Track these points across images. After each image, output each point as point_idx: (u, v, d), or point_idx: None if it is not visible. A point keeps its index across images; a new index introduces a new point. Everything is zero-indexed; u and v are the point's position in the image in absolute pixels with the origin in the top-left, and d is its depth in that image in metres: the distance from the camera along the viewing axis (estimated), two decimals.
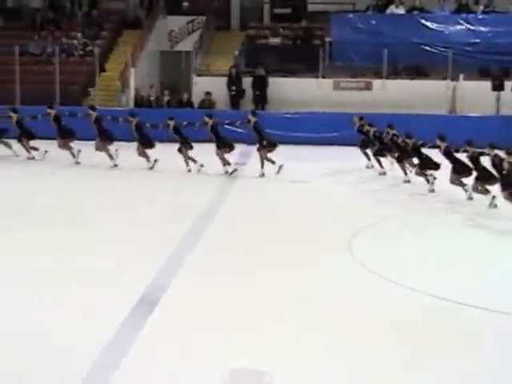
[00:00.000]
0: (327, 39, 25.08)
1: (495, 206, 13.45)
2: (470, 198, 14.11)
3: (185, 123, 17.54)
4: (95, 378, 6.36)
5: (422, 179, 15.24)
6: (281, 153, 17.03)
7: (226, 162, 16.92)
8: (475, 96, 22.54)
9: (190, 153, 17.30)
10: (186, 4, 28.85)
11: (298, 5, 28.26)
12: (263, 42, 26.43)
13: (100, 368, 6.51)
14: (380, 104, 22.65)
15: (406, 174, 16.07)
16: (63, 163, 18.13)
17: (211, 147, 16.88)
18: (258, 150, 17.02)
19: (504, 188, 12.98)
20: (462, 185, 14.25)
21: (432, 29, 24.83)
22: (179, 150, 17.36)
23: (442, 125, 19.40)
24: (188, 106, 23.82)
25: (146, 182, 16.40)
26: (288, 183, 15.94)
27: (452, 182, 14.41)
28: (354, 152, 18.26)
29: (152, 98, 24.51)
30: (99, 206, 13.62)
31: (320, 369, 6.55)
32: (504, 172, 13.04)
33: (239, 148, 17.80)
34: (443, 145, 14.49)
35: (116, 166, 17.76)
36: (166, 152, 17.34)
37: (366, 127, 17.82)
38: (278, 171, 16.63)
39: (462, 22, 24.89)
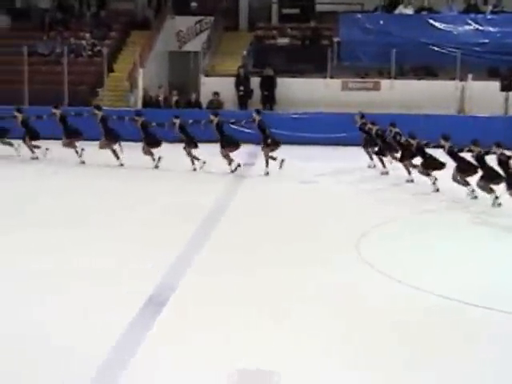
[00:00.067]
0: (335, 39, 25.06)
1: (499, 204, 13.44)
2: (475, 197, 14.09)
3: (190, 121, 17.63)
4: (103, 378, 6.35)
5: (424, 178, 15.23)
6: (289, 153, 17.04)
7: (230, 160, 16.97)
8: (484, 96, 22.49)
9: (195, 151, 17.35)
10: (194, 4, 28.88)
11: (307, 5, 28.24)
12: (271, 43, 26.43)
13: (108, 368, 6.51)
14: (388, 104, 22.61)
15: (409, 173, 16.05)
16: (68, 162, 18.23)
17: (217, 147, 16.96)
18: (262, 148, 17.09)
19: (509, 187, 12.99)
20: (466, 183, 14.23)
21: (440, 29, 24.79)
22: (184, 148, 17.41)
23: (451, 125, 19.33)
24: (196, 107, 23.83)
25: (151, 181, 16.44)
26: (296, 183, 15.93)
27: (454, 179, 14.41)
28: (363, 152, 18.27)
29: (160, 99, 24.54)
30: (104, 206, 13.64)
31: (325, 369, 6.54)
32: (510, 170, 13.06)
33: (247, 148, 17.82)
34: (447, 144, 14.47)
35: (122, 165, 17.82)
36: (172, 151, 17.40)
37: (368, 125, 17.83)
38: (280, 166, 16.70)
39: (470, 22, 24.83)
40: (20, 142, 18.87)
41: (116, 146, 17.94)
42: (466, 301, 8.28)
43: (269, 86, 24.16)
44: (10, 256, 9.94)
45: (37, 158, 18.80)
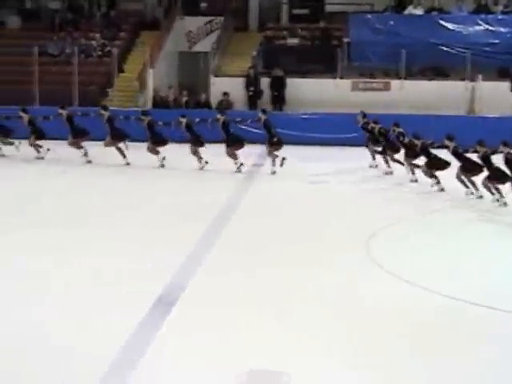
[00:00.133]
0: (345, 40, 25.06)
1: (505, 204, 13.47)
2: (480, 197, 14.11)
3: (197, 120, 17.69)
4: (112, 378, 6.36)
5: (429, 178, 15.24)
6: (299, 153, 17.07)
7: (236, 159, 17.06)
8: (494, 97, 22.46)
9: (201, 150, 17.41)
10: (203, 5, 28.91)
11: (316, 5, 28.21)
12: (281, 43, 26.40)
13: (117, 368, 6.51)
14: (398, 105, 22.59)
15: (413, 173, 16.04)
16: (74, 162, 18.32)
17: (223, 147, 17.11)
18: (267, 148, 17.23)
19: None
20: (472, 183, 14.24)
21: (450, 29, 24.72)
22: (190, 147, 17.49)
23: (460, 125, 19.34)
24: (206, 107, 23.83)
25: (158, 180, 16.54)
26: (304, 183, 15.94)
27: (458, 178, 14.41)
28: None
29: (170, 99, 24.57)
30: (110, 205, 13.68)
31: (325, 369, 6.55)
32: None
33: (257, 149, 17.82)
34: (452, 145, 14.48)
35: (128, 164, 17.89)
36: (178, 151, 17.52)
37: (371, 124, 17.84)
38: (282, 164, 16.76)
39: (480, 22, 24.76)
40: (20, 140, 18.91)
41: (121, 145, 18.01)
42: (471, 301, 8.27)
43: (278, 86, 24.17)
44: (22, 255, 9.93)
45: (42, 157, 18.84)
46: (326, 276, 9.23)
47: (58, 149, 18.64)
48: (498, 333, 7.52)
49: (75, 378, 6.29)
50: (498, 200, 13.62)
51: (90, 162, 18.29)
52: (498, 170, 13.60)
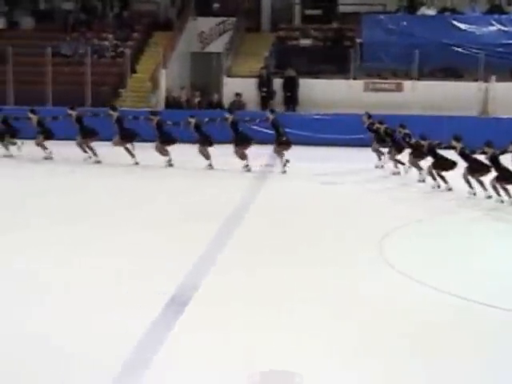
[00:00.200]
0: (358, 40, 25.07)
1: None
2: (489, 197, 14.09)
3: (206, 120, 17.74)
4: (126, 378, 6.37)
5: (437, 178, 15.24)
6: (311, 154, 17.05)
7: (244, 158, 17.17)
8: (507, 98, 22.40)
9: (209, 150, 17.46)
10: (216, 5, 28.96)
11: (329, 6, 28.23)
12: (294, 44, 26.44)
13: (131, 368, 6.52)
14: (411, 105, 22.58)
15: (420, 173, 16.06)
16: (83, 162, 18.42)
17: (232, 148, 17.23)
18: (275, 148, 17.35)
19: None
20: (480, 183, 14.22)
21: (464, 30, 24.67)
22: (199, 147, 17.56)
23: (473, 126, 19.32)
24: (218, 108, 23.85)
25: (168, 179, 16.58)
26: (317, 184, 15.93)
27: (465, 178, 14.40)
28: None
29: (183, 100, 24.62)
30: (120, 204, 13.69)
31: (325, 368, 6.55)
32: None
33: (269, 149, 17.83)
34: (459, 146, 14.47)
35: (137, 163, 17.95)
36: (188, 152, 17.57)
37: (376, 125, 17.86)
38: (284, 165, 16.95)
39: (494, 22, 24.70)
40: (23, 141, 19.02)
41: (129, 145, 18.09)
42: (480, 301, 8.23)
43: (291, 86, 24.17)
44: (24, 255, 9.94)
45: (51, 158, 18.89)
46: (338, 276, 9.22)
47: (67, 149, 18.70)
48: (505, 333, 7.49)
49: (88, 377, 6.30)
50: (502, 201, 13.68)
51: (99, 162, 18.35)
52: (507, 170, 13.64)
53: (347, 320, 7.70)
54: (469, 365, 6.69)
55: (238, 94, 24.13)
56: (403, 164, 16.89)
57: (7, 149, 19.42)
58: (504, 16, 25.14)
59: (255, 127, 18.18)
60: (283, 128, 17.53)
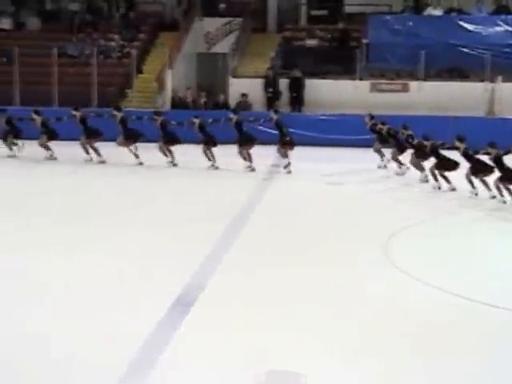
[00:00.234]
0: (364, 41, 25.03)
1: None
2: (493, 197, 14.07)
3: (210, 120, 17.77)
4: (132, 378, 6.37)
5: (439, 179, 15.22)
6: (317, 154, 17.04)
7: (248, 158, 17.18)
8: None
9: (214, 150, 17.50)
10: (222, 6, 28.94)
11: (335, 6, 28.19)
12: (300, 44, 26.41)
13: (136, 368, 6.52)
14: (417, 106, 22.55)
15: (422, 173, 16.05)
16: (87, 162, 18.45)
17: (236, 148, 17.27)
18: (278, 148, 17.40)
19: None
20: (484, 183, 14.21)
21: (470, 30, 24.62)
22: (203, 147, 17.58)
23: (480, 127, 19.29)
24: (224, 108, 23.83)
25: (172, 179, 16.60)
26: (323, 184, 15.92)
27: (467, 178, 14.39)
28: (388, 155, 18.21)
29: (189, 100, 24.62)
30: (125, 204, 13.70)
31: (325, 369, 6.54)
32: None
33: (274, 150, 17.82)
34: (462, 146, 14.45)
35: (141, 163, 17.97)
36: (193, 152, 17.63)
37: (379, 126, 17.86)
38: (285, 167, 17.05)
39: (500, 23, 24.65)
40: (24, 141, 19.05)
41: (132, 147, 18.11)
42: (483, 301, 8.22)
43: (297, 87, 24.15)
44: (27, 254, 9.96)
45: (55, 158, 18.91)
46: (340, 276, 9.22)
47: (71, 150, 18.70)
48: (507, 333, 7.47)
49: (93, 377, 6.30)
50: (505, 202, 13.69)
51: (103, 162, 18.36)
52: (510, 170, 13.62)
53: (348, 320, 7.71)
54: (470, 365, 6.68)
55: (244, 95, 24.12)
56: (403, 165, 16.93)
57: (10, 149, 19.44)
58: (510, 16, 25.04)
59: (260, 127, 18.21)
60: (287, 128, 17.58)
